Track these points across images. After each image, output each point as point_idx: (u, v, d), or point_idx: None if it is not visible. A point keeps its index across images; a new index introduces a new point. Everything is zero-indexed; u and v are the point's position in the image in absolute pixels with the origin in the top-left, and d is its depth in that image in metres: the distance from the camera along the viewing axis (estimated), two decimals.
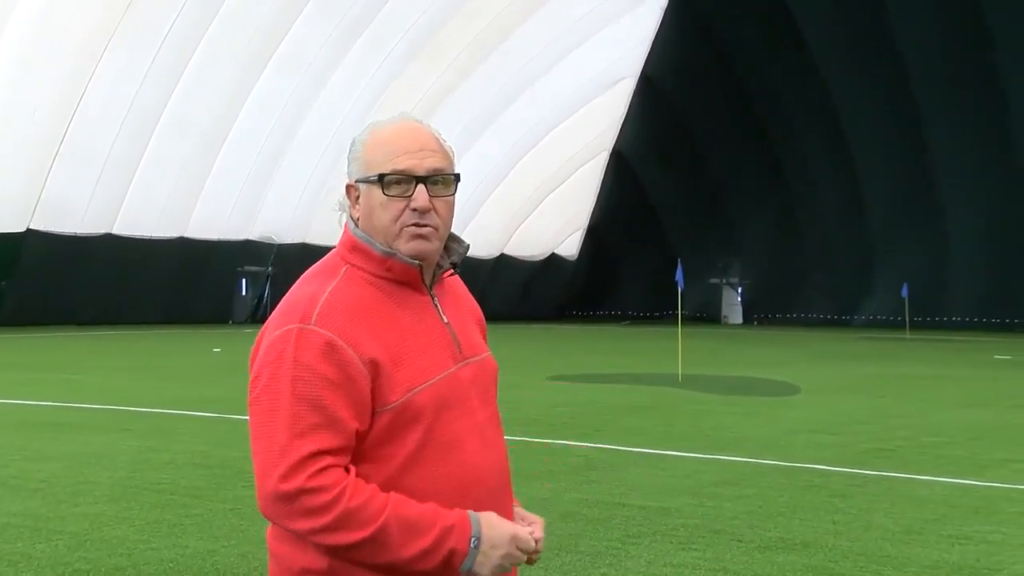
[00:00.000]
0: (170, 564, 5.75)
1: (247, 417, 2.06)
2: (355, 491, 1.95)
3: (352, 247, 2.14)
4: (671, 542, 6.33)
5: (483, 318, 2.39)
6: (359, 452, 2.02)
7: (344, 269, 2.12)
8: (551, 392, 15.56)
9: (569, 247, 55.02)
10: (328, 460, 1.95)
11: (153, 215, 37.19)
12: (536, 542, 2.08)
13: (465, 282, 2.37)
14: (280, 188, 40.71)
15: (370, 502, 1.95)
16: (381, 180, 2.09)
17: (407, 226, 2.09)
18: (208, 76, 35.66)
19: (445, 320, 2.17)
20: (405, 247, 2.10)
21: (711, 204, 50.32)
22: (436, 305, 2.17)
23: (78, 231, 35.41)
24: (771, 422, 12.27)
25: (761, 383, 17.54)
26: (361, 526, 1.94)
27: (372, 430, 2.02)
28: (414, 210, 2.09)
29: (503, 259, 50.70)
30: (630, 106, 49.80)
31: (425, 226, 2.09)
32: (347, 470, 1.98)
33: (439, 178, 2.12)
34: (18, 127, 32.15)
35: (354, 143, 2.17)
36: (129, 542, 6.18)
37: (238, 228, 40.57)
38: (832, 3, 42.40)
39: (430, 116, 36.52)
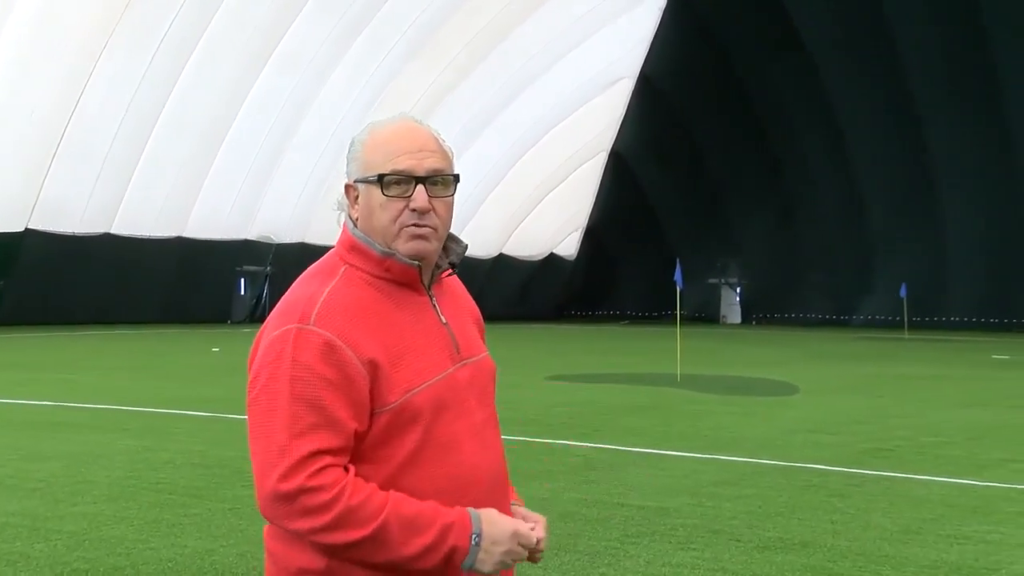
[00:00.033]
0: (169, 564, 5.74)
1: (246, 417, 2.06)
2: (354, 490, 1.95)
3: (351, 247, 2.14)
4: (670, 542, 6.33)
5: (481, 318, 2.39)
6: (358, 453, 2.02)
7: (343, 269, 2.12)
8: (550, 392, 15.55)
9: (568, 247, 55.02)
10: (327, 460, 1.95)
11: (151, 215, 37.16)
12: (538, 541, 2.07)
13: (463, 282, 2.37)
14: (279, 188, 40.67)
15: (370, 500, 1.95)
16: (380, 180, 2.09)
17: (406, 226, 2.09)
18: (207, 75, 35.61)
19: (443, 320, 2.17)
20: (404, 247, 2.10)
21: (710, 204, 50.32)
22: (435, 305, 2.17)
23: (76, 231, 35.39)
24: (770, 422, 12.27)
25: (760, 383, 17.54)
26: (361, 525, 1.93)
27: (371, 431, 2.02)
28: (413, 210, 2.08)
29: (502, 259, 50.68)
30: (629, 106, 49.82)
31: (424, 226, 2.09)
32: (346, 470, 1.98)
33: (438, 178, 2.12)
34: (16, 127, 32.12)
35: (353, 143, 2.17)
36: (127, 541, 6.18)
37: (237, 228, 40.54)
38: (831, 3, 42.39)
39: (429, 115, 36.51)
